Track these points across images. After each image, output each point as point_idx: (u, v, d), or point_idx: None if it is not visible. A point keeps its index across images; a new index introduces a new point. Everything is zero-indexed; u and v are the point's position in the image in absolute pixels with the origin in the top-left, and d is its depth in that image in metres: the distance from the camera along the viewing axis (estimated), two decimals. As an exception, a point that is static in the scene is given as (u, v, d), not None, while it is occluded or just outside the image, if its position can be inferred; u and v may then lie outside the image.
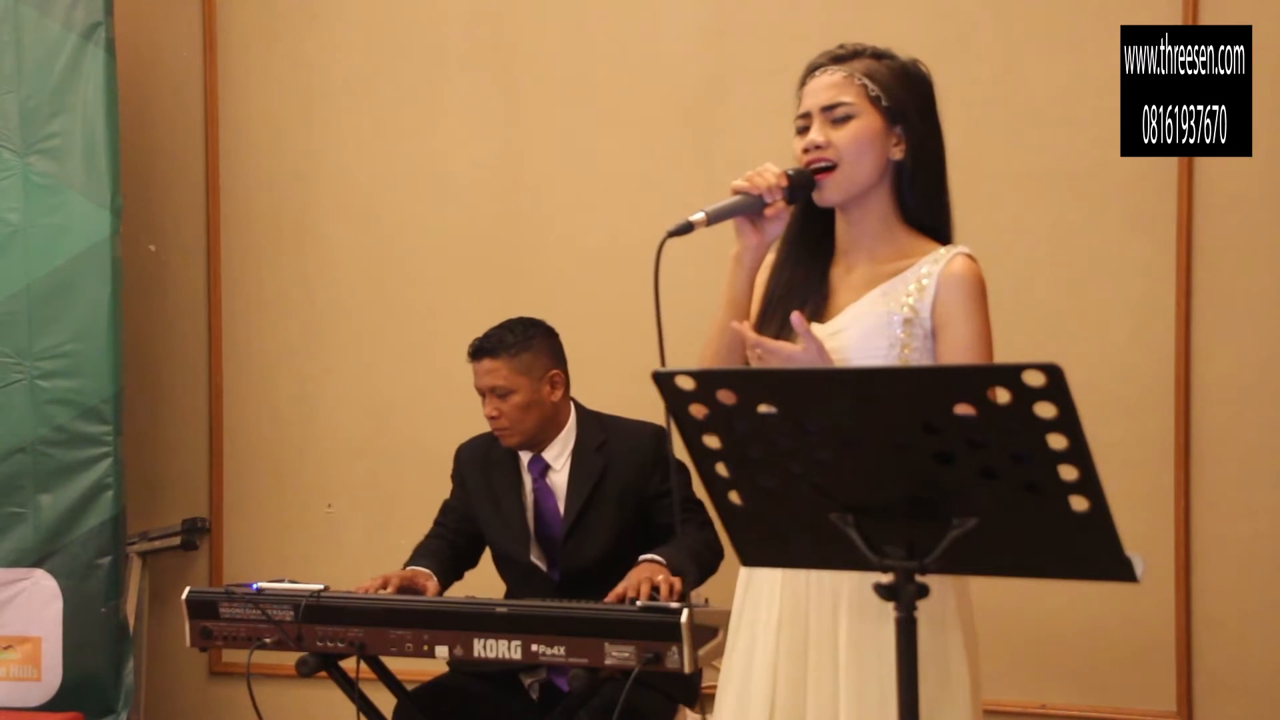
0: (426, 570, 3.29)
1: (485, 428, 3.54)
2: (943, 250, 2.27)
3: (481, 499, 3.43)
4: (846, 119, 2.26)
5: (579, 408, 3.43)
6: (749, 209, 2.23)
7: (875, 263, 2.30)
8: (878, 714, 2.16)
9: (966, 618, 2.27)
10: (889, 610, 2.10)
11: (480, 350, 3.37)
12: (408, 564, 3.36)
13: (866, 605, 2.18)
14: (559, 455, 3.39)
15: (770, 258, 2.37)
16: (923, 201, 2.30)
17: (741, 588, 2.37)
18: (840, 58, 2.29)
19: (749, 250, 2.28)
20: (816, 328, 2.28)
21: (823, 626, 2.23)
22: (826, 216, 2.35)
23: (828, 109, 2.26)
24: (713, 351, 2.33)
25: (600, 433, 3.37)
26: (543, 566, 3.35)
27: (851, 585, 2.20)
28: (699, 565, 3.13)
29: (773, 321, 2.32)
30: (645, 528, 3.28)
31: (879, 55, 2.30)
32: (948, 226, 2.33)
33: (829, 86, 2.27)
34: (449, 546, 3.45)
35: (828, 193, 2.27)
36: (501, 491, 3.40)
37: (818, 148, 2.25)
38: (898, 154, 2.28)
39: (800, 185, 2.25)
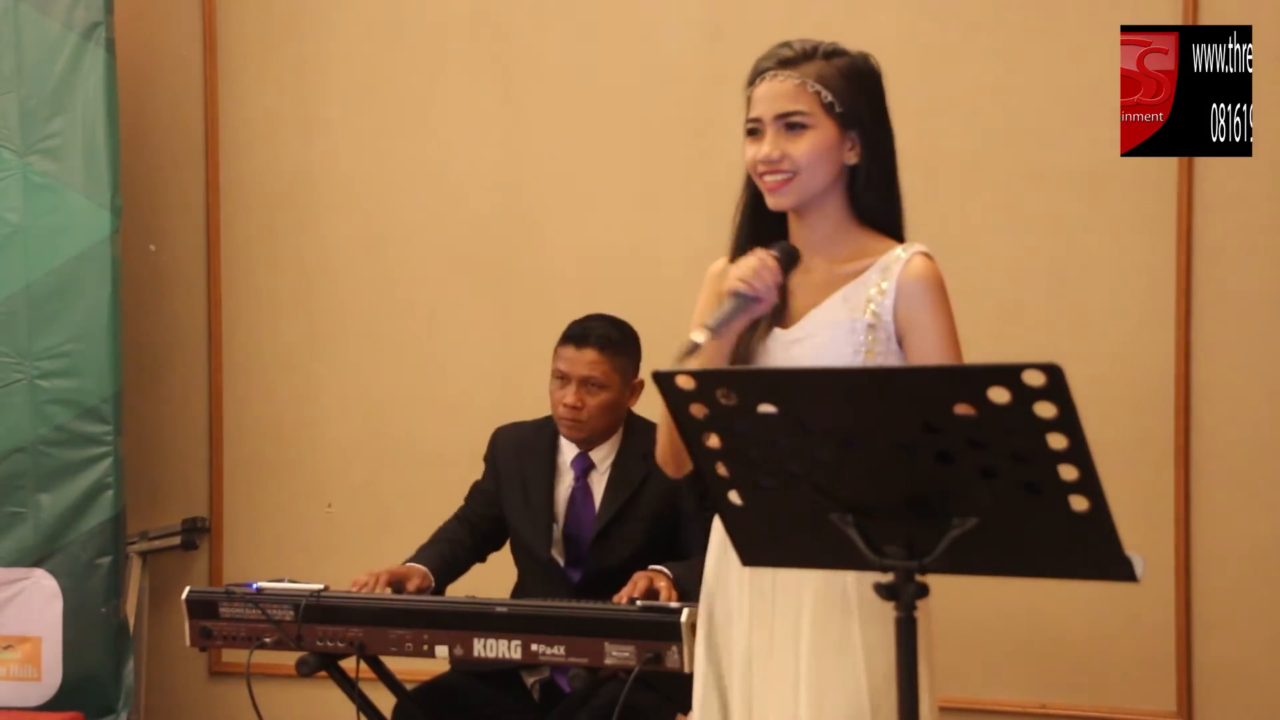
0: (423, 569, 3.28)
1: (485, 427, 3.54)
2: (899, 250, 2.27)
3: (512, 486, 3.41)
4: (801, 128, 2.25)
5: (631, 413, 3.41)
6: (748, 308, 2.23)
7: (833, 262, 2.30)
8: (837, 710, 2.18)
9: (926, 620, 2.27)
10: (852, 607, 2.18)
11: (585, 338, 3.30)
12: (417, 551, 3.35)
13: (829, 603, 2.21)
14: (605, 457, 3.36)
15: (722, 263, 2.37)
16: (877, 201, 2.30)
17: (711, 574, 2.37)
18: (790, 61, 2.27)
19: (734, 330, 2.27)
20: (779, 333, 2.28)
21: (786, 625, 2.25)
22: (780, 215, 2.33)
23: (780, 117, 2.25)
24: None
25: (647, 441, 3.34)
26: (561, 564, 3.34)
27: (816, 586, 2.22)
28: None
29: None
30: (671, 544, 3.27)
31: (830, 55, 2.28)
32: (900, 223, 2.33)
33: (781, 95, 2.25)
34: (468, 534, 3.42)
35: (783, 199, 2.27)
36: (533, 483, 3.38)
37: (773, 161, 2.25)
38: (852, 158, 2.27)
39: (787, 261, 2.26)
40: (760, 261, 2.22)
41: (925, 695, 2.21)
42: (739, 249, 2.34)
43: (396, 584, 3.17)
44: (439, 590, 3.28)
